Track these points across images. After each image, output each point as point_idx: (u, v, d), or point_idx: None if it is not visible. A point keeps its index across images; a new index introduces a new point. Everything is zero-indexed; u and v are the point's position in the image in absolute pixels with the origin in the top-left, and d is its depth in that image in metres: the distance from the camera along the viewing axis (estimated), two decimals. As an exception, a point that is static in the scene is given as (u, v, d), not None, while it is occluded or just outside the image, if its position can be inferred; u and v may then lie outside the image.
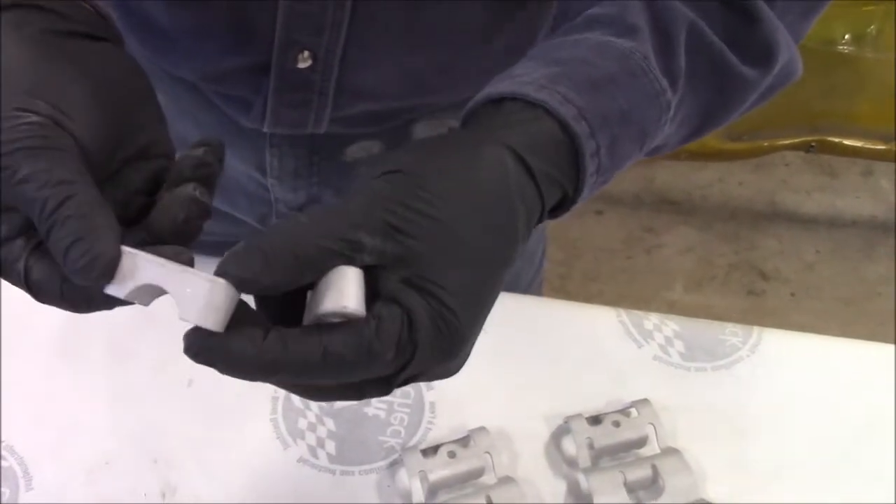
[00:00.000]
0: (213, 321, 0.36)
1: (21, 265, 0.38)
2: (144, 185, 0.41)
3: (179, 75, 0.59)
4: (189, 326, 0.36)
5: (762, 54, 0.50)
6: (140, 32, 0.57)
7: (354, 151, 0.64)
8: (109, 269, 0.36)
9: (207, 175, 0.40)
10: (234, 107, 0.59)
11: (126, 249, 0.37)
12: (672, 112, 0.47)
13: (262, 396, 0.65)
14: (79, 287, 0.37)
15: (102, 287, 0.36)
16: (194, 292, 0.36)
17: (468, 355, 0.39)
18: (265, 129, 0.59)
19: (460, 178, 0.39)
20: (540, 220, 0.42)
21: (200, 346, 0.35)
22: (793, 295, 1.85)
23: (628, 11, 0.47)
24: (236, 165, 0.65)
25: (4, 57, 0.38)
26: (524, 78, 0.43)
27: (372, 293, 0.37)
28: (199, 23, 0.53)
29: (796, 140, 1.62)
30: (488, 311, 0.39)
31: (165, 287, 0.36)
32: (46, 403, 0.64)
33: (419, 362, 0.37)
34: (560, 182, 0.42)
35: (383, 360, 0.36)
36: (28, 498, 0.59)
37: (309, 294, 0.38)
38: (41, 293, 0.38)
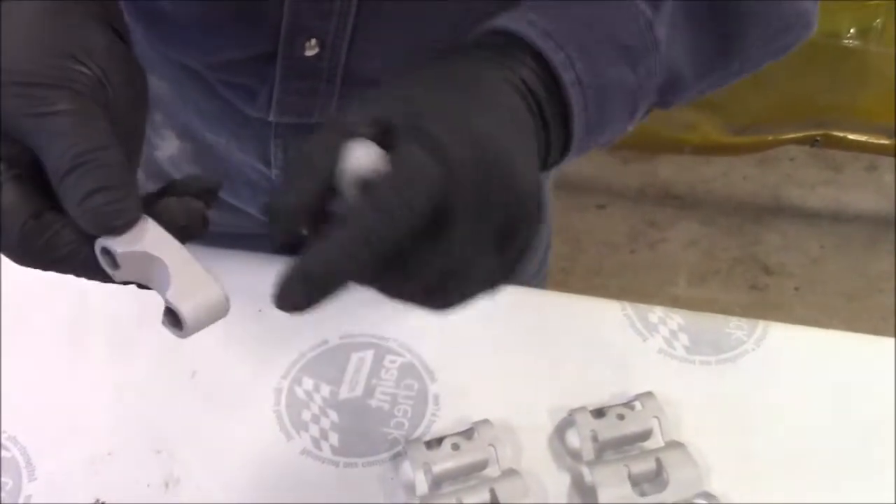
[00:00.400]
0: (195, 318, 0.36)
1: None
2: None
3: (185, 63, 0.59)
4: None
5: None
6: (146, 20, 0.57)
7: (359, 142, 0.63)
8: (127, 225, 0.36)
9: (211, 201, 0.41)
10: (239, 96, 0.59)
11: (146, 216, 0.37)
12: (661, 37, 0.47)
13: (266, 388, 0.65)
14: (44, 228, 0.36)
15: (106, 235, 0.36)
16: (197, 285, 0.36)
17: (530, 181, 0.39)
18: (271, 119, 0.59)
19: (483, 88, 0.41)
20: (549, 148, 0.43)
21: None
22: (796, 289, 1.85)
23: None
24: (240, 156, 0.65)
25: (51, 11, 0.38)
26: (506, 14, 0.45)
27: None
28: (206, 11, 0.53)
29: (801, 134, 1.61)
30: (518, 144, 0.39)
31: (169, 265, 0.36)
32: (49, 394, 0.64)
33: (459, 185, 0.36)
34: (547, 89, 0.43)
35: (418, 195, 0.35)
36: (31, 488, 0.59)
37: None
38: None
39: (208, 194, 0.40)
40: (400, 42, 0.55)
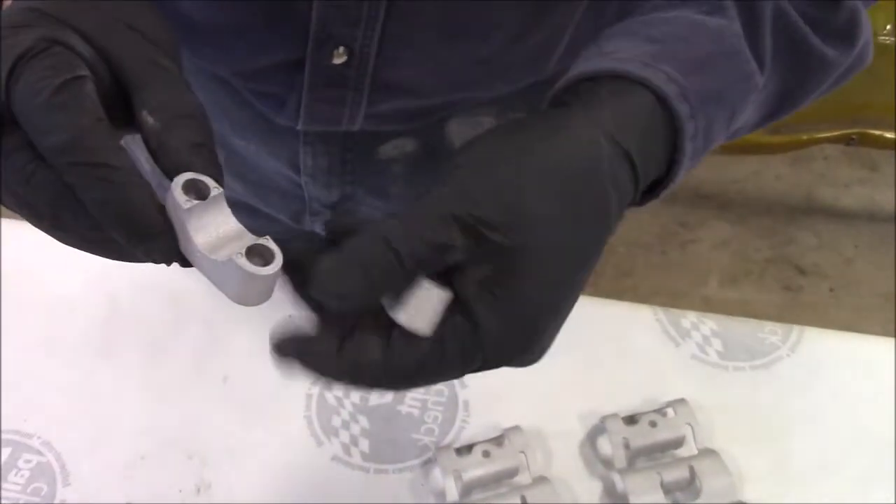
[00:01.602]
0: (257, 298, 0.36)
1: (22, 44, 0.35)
2: None
3: (214, 72, 0.59)
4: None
5: (845, 34, 0.49)
6: (174, 28, 0.57)
7: (388, 150, 0.63)
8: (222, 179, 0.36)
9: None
10: (268, 104, 0.59)
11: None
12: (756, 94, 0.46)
13: (297, 394, 0.65)
14: (112, 135, 0.35)
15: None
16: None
17: (548, 346, 0.39)
18: (299, 127, 0.59)
19: (552, 164, 0.37)
20: (632, 204, 0.41)
21: (287, 350, 0.37)
22: (831, 290, 1.82)
23: None
24: (270, 163, 0.65)
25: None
26: (622, 55, 0.42)
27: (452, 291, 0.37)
28: (234, 19, 0.53)
29: (836, 133, 1.59)
30: (573, 302, 0.38)
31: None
32: (83, 400, 0.64)
33: (490, 364, 0.37)
34: (657, 161, 0.41)
35: (450, 375, 0.37)
36: (65, 493, 0.60)
37: None
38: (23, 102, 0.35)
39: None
40: (431, 53, 0.55)
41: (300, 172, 0.65)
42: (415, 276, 0.36)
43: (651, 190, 0.43)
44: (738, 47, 0.44)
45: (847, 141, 1.61)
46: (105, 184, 0.34)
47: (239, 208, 0.40)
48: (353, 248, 0.36)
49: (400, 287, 0.36)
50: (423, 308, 0.36)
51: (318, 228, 0.72)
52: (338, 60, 0.53)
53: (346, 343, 0.36)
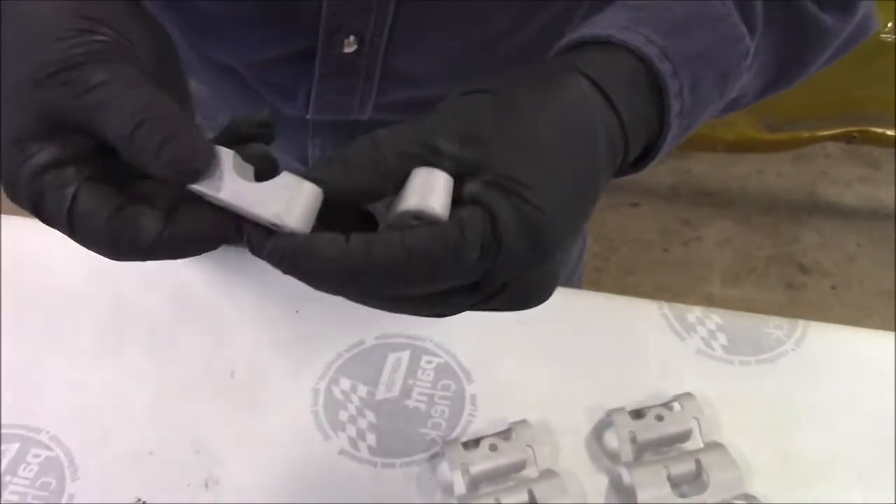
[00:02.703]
0: (303, 222, 0.35)
1: (70, 192, 0.35)
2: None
3: (223, 63, 0.59)
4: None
5: (843, 2, 0.50)
6: (182, 20, 0.57)
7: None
8: (205, 164, 0.35)
9: (270, 137, 0.40)
10: (278, 94, 0.59)
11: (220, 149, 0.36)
12: (750, 59, 0.46)
13: (304, 388, 0.65)
14: (127, 222, 0.36)
15: (193, 181, 0.35)
16: (284, 189, 0.35)
17: (558, 275, 0.39)
18: (309, 116, 0.59)
19: (538, 96, 0.38)
20: (625, 162, 0.42)
21: (283, 250, 0.35)
22: (833, 288, 1.82)
23: None
24: (278, 155, 0.65)
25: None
26: (605, 22, 0.43)
27: (452, 200, 0.36)
28: (245, 11, 0.53)
29: (838, 131, 1.59)
30: (578, 219, 0.38)
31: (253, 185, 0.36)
32: (91, 395, 0.65)
33: (505, 264, 0.36)
34: (645, 119, 0.42)
35: (468, 259, 0.35)
36: (74, 488, 0.60)
37: (390, 200, 0.37)
38: (83, 228, 0.36)
39: (265, 129, 0.40)
40: (440, 41, 0.55)
41: (309, 164, 0.65)
42: (403, 173, 0.36)
43: (647, 153, 0.44)
44: (725, 12, 0.45)
45: (848, 139, 1.61)
46: (152, 256, 0.36)
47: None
48: (342, 151, 0.36)
49: (386, 180, 0.35)
50: (429, 187, 0.35)
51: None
52: (348, 49, 0.54)
53: (354, 237, 0.34)
